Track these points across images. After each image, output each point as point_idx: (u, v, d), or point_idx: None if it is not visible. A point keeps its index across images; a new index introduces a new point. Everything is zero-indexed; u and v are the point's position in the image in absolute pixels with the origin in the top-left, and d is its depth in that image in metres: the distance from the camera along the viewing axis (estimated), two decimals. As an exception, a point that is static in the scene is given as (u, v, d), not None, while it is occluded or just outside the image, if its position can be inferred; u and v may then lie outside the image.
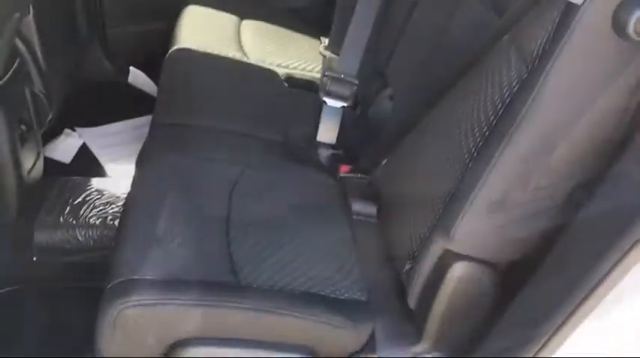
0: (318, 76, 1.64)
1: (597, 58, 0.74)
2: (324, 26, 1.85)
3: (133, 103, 1.96)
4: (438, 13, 1.14)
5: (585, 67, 0.75)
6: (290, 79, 1.59)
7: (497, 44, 0.86)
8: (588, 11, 0.72)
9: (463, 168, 0.89)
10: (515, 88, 0.80)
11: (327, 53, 1.64)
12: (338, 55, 1.53)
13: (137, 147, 1.82)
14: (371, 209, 1.18)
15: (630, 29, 0.69)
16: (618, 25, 0.71)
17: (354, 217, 1.16)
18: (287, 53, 1.70)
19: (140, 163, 1.22)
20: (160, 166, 1.18)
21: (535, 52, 0.79)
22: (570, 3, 0.73)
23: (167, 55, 1.55)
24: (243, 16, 1.79)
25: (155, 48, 1.78)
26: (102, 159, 1.77)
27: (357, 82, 1.36)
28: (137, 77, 1.96)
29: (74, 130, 1.85)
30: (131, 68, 1.95)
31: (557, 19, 0.76)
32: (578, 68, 0.75)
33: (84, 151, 1.80)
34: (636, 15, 0.69)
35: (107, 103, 1.97)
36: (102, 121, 1.89)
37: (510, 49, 0.83)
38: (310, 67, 1.67)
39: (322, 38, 1.75)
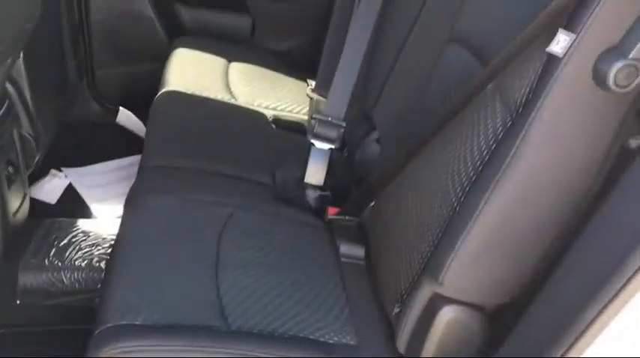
0: (306, 117, 1.67)
1: (579, 108, 0.77)
2: (311, 68, 1.89)
3: (120, 144, 1.97)
4: (423, 58, 1.18)
5: (568, 117, 0.78)
6: (278, 121, 1.61)
7: (482, 92, 0.88)
8: (569, 63, 0.75)
9: (451, 213, 0.90)
10: (500, 136, 0.83)
11: (315, 95, 1.66)
12: (325, 97, 1.56)
13: (124, 188, 1.83)
14: (359, 251, 1.18)
15: (610, 81, 0.72)
16: (599, 77, 0.73)
17: (343, 260, 1.17)
18: (275, 95, 1.72)
19: (128, 205, 1.22)
20: (149, 208, 1.18)
21: (519, 101, 0.81)
22: (552, 55, 0.76)
23: (156, 98, 1.56)
24: (231, 58, 1.82)
25: (143, 89, 1.80)
26: (88, 200, 1.77)
27: (344, 124, 1.38)
28: (126, 117, 1.97)
29: (60, 170, 1.84)
30: (120, 108, 1.97)
31: (540, 70, 0.78)
32: (561, 118, 0.78)
33: (70, 192, 1.79)
34: (616, 67, 0.72)
35: (94, 144, 1.98)
36: (88, 161, 1.89)
37: (495, 98, 0.86)
38: (298, 109, 1.69)
39: (309, 80, 1.78)
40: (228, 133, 1.48)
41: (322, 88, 1.62)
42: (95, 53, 1.95)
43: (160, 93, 1.58)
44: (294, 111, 1.69)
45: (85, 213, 1.72)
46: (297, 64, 1.98)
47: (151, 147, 1.38)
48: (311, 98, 1.69)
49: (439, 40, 1.11)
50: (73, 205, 1.73)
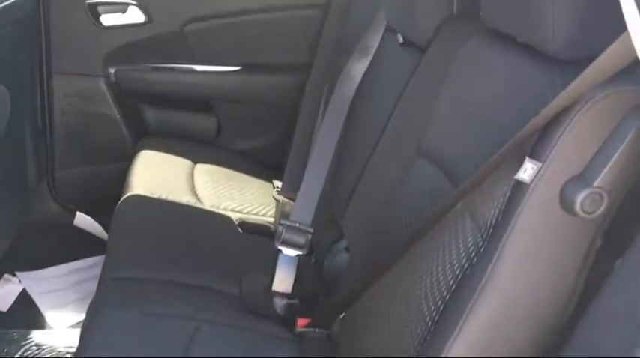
0: (272, 220, 1.66)
1: (549, 232, 0.78)
2: (277, 167, 1.91)
3: (78, 244, 1.91)
4: (391, 170, 1.19)
5: (539, 241, 0.79)
6: (244, 225, 1.60)
7: (452, 210, 0.89)
8: (537, 190, 0.77)
9: (425, 333, 0.89)
10: (473, 258, 0.83)
11: (280, 198, 1.67)
12: (291, 199, 1.56)
13: (81, 292, 1.77)
14: (330, 366, 1.15)
15: (577, 208, 0.74)
16: (566, 204, 0.75)
17: (314, 375, 1.13)
18: (241, 197, 1.72)
19: (88, 321, 1.17)
20: (110, 325, 1.13)
21: (489, 223, 0.82)
22: (520, 181, 0.78)
23: (119, 203, 1.54)
24: (196, 160, 1.83)
25: (106, 190, 1.78)
26: (42, 307, 1.69)
27: (311, 230, 1.37)
28: (84, 221, 1.93)
29: (14, 275, 1.77)
30: (78, 213, 1.93)
31: (508, 194, 0.80)
32: (532, 241, 0.79)
33: (23, 297, 1.72)
34: (581, 195, 0.74)
35: (51, 245, 1.92)
36: (45, 263, 1.83)
37: (465, 216, 0.87)
38: (264, 211, 1.69)
39: (275, 182, 1.79)
40: (194, 240, 1.45)
41: (288, 190, 1.63)
42: (57, 154, 1.94)
43: (123, 198, 1.55)
44: (260, 213, 1.68)
45: (39, 321, 1.64)
46: (263, 163, 2.00)
47: (112, 258, 1.34)
48: (277, 200, 1.70)
49: (407, 152, 1.14)
50: (27, 312, 1.66)
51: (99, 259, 1.78)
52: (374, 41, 1.49)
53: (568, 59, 0.83)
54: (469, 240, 0.85)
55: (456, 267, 0.86)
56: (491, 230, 0.82)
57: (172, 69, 1.99)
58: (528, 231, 0.79)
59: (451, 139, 1.04)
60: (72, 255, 1.87)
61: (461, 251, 0.85)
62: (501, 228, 0.80)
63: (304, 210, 1.40)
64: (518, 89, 0.92)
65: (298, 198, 1.43)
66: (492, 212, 0.81)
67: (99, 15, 1.86)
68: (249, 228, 1.59)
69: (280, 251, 1.38)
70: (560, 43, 0.82)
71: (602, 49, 0.72)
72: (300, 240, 1.38)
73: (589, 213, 0.75)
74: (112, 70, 1.92)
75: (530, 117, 0.78)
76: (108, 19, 1.88)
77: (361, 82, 1.47)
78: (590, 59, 0.75)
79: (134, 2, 1.87)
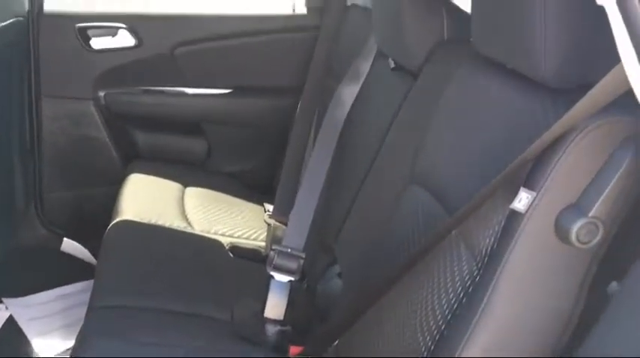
0: (263, 243, 1.65)
1: (545, 261, 0.78)
2: (267, 190, 1.90)
3: (66, 269, 1.89)
4: (383, 196, 1.19)
5: (535, 270, 0.78)
6: (235, 249, 1.58)
7: (446, 237, 0.89)
8: (532, 219, 0.76)
9: (421, 363, 0.88)
10: (469, 287, 0.82)
11: (272, 221, 1.66)
12: (282, 223, 1.55)
13: (68, 318, 1.74)
14: (324, 395, 1.13)
15: (572, 238, 0.74)
16: (561, 233, 0.75)
17: (307, 405, 1.11)
18: (231, 221, 1.70)
19: (76, 351, 1.15)
20: (99, 355, 1.11)
21: (484, 251, 0.82)
22: (515, 210, 0.77)
23: (108, 228, 1.52)
24: (186, 183, 1.81)
25: (95, 214, 1.76)
26: (30, 334, 1.66)
27: (303, 255, 1.36)
28: (71, 246, 1.91)
29: (1, 302, 1.74)
30: (65, 239, 1.90)
31: (503, 223, 0.80)
32: (528, 271, 0.78)
33: (10, 325, 1.68)
34: (577, 225, 0.73)
35: (38, 270, 1.89)
36: (31, 290, 1.80)
37: (460, 244, 0.87)
38: (255, 235, 1.67)
39: (266, 205, 1.78)
40: (184, 266, 1.43)
41: (280, 214, 1.61)
42: (45, 177, 1.92)
43: (113, 223, 1.54)
44: (252, 237, 1.66)
45: (27, 349, 1.60)
46: (254, 186, 1.99)
47: (101, 285, 1.32)
48: (268, 224, 1.68)
49: (400, 179, 1.13)
50: (13, 341, 1.62)
51: (87, 284, 1.76)
52: (365, 65, 1.50)
53: (559, 87, 0.83)
54: (464, 268, 0.84)
55: (451, 295, 0.85)
56: (486, 259, 0.81)
57: (162, 92, 1.99)
58: (524, 261, 0.78)
59: (443, 166, 1.03)
60: (60, 279, 1.84)
61: (456, 280, 0.85)
62: (497, 257, 0.79)
63: (296, 235, 1.39)
64: (511, 116, 0.91)
65: (290, 222, 1.42)
66: (487, 240, 0.81)
67: (89, 38, 1.86)
68: (241, 253, 1.58)
69: (272, 277, 1.37)
70: (551, 71, 0.82)
71: (593, 77, 0.72)
72: (293, 265, 1.36)
73: (585, 243, 0.74)
74: (101, 93, 1.91)
75: (522, 145, 0.78)
76: (98, 43, 1.87)
77: (352, 106, 1.47)
78: (582, 87, 0.75)
79: (124, 26, 1.87)
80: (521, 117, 0.88)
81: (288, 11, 2.02)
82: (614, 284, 0.88)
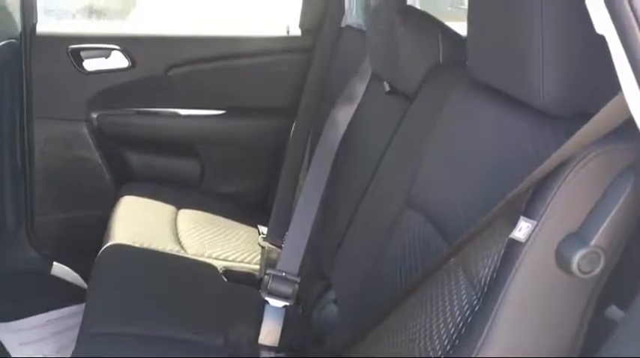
0: (257, 267, 1.63)
1: (545, 291, 0.76)
2: (261, 211, 1.88)
3: (57, 292, 1.86)
4: (378, 221, 1.17)
5: (535, 299, 0.77)
6: (228, 273, 1.56)
7: (444, 265, 0.87)
8: (532, 249, 0.75)
9: (420, 394, 0.86)
10: (469, 318, 0.81)
11: (266, 244, 1.64)
12: (277, 246, 1.53)
13: (59, 342, 1.71)
14: None
15: (574, 267, 0.72)
16: (562, 263, 0.74)
17: None
18: (225, 244, 1.68)
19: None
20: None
21: (483, 281, 0.80)
22: (514, 239, 0.76)
23: (100, 252, 1.49)
24: (180, 205, 1.79)
25: (86, 237, 1.73)
26: (19, 360, 1.63)
27: (298, 280, 1.35)
28: (61, 270, 1.88)
29: (-10, 327, 1.71)
30: (55, 263, 1.88)
31: (503, 251, 0.78)
32: (529, 300, 0.77)
33: (0, 350, 1.65)
34: (579, 253, 0.72)
35: (29, 294, 1.85)
36: (22, 313, 1.77)
37: (459, 273, 0.85)
38: (249, 258, 1.65)
39: (260, 227, 1.76)
40: (177, 291, 1.41)
41: (274, 237, 1.60)
42: (37, 199, 1.89)
43: (104, 247, 1.51)
44: (246, 260, 1.64)
45: (15, 376, 1.58)
46: (248, 208, 1.97)
47: (92, 311, 1.29)
48: (262, 247, 1.67)
49: (395, 203, 1.12)
50: (2, 367, 1.59)
51: (78, 308, 1.73)
52: (360, 88, 1.49)
53: (558, 115, 0.82)
54: (463, 297, 0.83)
55: (450, 326, 0.83)
56: (486, 288, 0.79)
57: (156, 113, 1.97)
58: (524, 291, 0.77)
59: (440, 191, 1.02)
60: (50, 303, 1.81)
61: (455, 309, 0.83)
62: (497, 287, 0.77)
63: (291, 259, 1.37)
64: (507, 142, 0.91)
65: (285, 246, 1.41)
66: (487, 270, 0.79)
67: (82, 60, 1.85)
68: (235, 277, 1.55)
69: (267, 302, 1.35)
70: (549, 98, 0.81)
71: (592, 105, 0.72)
72: (287, 290, 1.35)
73: (586, 273, 0.73)
74: (94, 115, 1.90)
75: (520, 171, 0.77)
76: (91, 64, 1.86)
77: (347, 129, 1.47)
78: (580, 114, 0.74)
79: (118, 47, 1.86)
80: (518, 142, 0.87)
81: (282, 33, 2.02)
82: (613, 308, 0.87)
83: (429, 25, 1.27)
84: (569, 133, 0.72)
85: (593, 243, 0.72)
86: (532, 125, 0.86)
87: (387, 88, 1.38)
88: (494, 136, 0.94)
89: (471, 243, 0.83)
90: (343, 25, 1.85)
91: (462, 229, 0.86)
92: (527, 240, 0.75)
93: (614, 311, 0.86)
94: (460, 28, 1.26)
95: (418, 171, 1.09)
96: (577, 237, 0.73)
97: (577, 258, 0.72)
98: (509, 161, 0.88)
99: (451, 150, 1.04)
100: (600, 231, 0.72)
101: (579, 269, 0.73)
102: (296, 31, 1.99)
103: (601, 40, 0.64)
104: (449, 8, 2.78)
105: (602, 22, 0.61)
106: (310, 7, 1.93)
